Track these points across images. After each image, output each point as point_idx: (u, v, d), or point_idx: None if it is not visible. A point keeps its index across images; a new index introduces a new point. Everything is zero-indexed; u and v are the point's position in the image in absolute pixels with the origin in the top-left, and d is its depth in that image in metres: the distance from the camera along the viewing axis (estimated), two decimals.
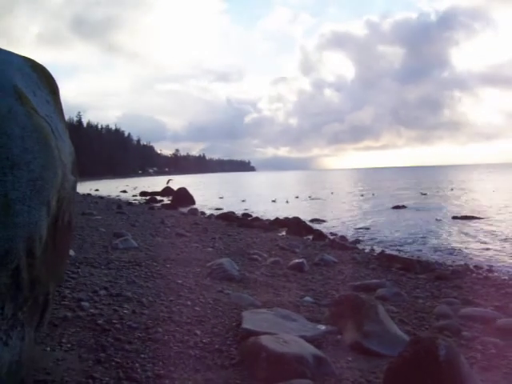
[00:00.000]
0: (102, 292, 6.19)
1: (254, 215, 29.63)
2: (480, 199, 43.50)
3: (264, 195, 56.90)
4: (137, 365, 4.30)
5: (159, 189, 56.45)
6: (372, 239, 21.17)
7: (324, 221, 28.47)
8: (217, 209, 34.80)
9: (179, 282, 7.65)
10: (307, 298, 8.16)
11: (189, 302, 6.42)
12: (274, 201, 45.85)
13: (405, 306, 8.58)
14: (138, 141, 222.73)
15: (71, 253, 8.11)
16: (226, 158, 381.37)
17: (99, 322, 5.10)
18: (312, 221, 27.45)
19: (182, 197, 38.87)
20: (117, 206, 26.47)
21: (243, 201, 46.55)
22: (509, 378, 5.22)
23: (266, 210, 35.16)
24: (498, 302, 9.64)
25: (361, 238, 21.13)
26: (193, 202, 38.71)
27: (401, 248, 18.61)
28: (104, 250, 9.80)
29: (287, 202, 44.93)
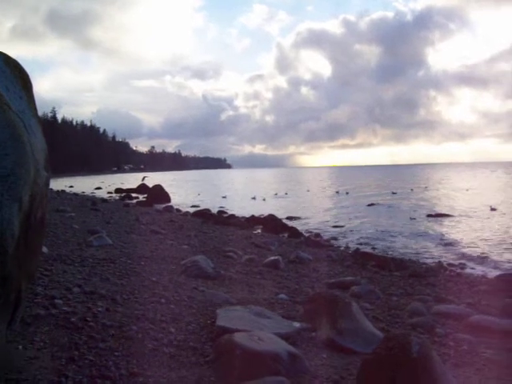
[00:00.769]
0: (76, 289, 6.12)
1: (230, 213, 29.65)
2: (454, 198, 44.06)
3: (241, 193, 57.04)
4: (110, 363, 4.26)
5: (134, 186, 56.22)
6: (347, 237, 21.32)
7: (299, 218, 28.61)
8: (192, 206, 34.74)
9: (154, 279, 7.60)
10: (282, 296, 8.17)
11: (163, 300, 6.39)
12: (253, 198, 46.03)
13: (379, 304, 8.64)
14: (114, 137, 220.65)
15: (44, 250, 8.01)
16: (201, 156, 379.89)
17: (72, 319, 5.05)
18: (288, 218, 27.58)
19: (158, 194, 38.70)
20: (91, 202, 26.22)
21: (224, 197, 46.98)
22: (480, 374, 5.28)
23: (241, 208, 35.19)
24: (471, 299, 9.76)
25: (336, 236, 21.27)
26: (168, 199, 38.55)
27: (375, 246, 18.77)
28: (78, 247, 9.69)
29: (264, 199, 45.04)
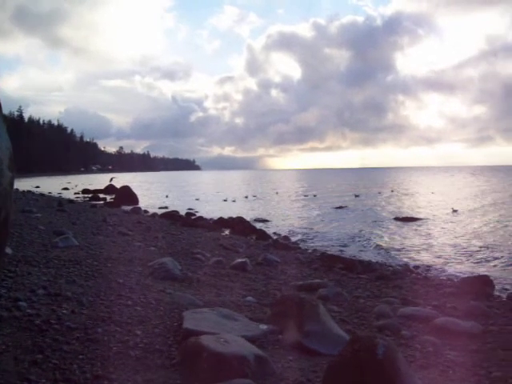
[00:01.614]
0: (41, 291, 6.04)
1: (198, 214, 29.57)
2: (420, 201, 44.62)
3: (212, 195, 56.98)
4: (75, 366, 4.21)
5: (102, 187, 55.72)
6: (315, 239, 21.42)
7: (268, 220, 28.66)
8: (160, 207, 34.57)
9: (120, 281, 7.54)
10: (249, 298, 8.17)
11: (130, 302, 6.34)
12: (225, 200, 46.11)
13: (346, 306, 8.69)
14: (81, 137, 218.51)
15: (8, 251, 7.90)
16: (170, 157, 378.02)
17: (36, 322, 4.97)
18: (256, 221, 27.60)
19: (125, 195, 38.40)
20: (58, 203, 25.88)
21: (197, 199, 46.97)
22: (445, 375, 5.35)
23: (211, 210, 35.16)
24: (437, 301, 9.87)
25: (304, 238, 21.37)
26: (136, 200, 38.28)
27: (343, 248, 18.89)
28: (43, 248, 9.56)
29: (234, 201, 45.13)
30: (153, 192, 62.73)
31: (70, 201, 31.99)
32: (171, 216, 25.26)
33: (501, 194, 54.51)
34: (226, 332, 5.18)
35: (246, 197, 52.14)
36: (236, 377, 4.23)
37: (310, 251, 17.38)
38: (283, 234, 22.65)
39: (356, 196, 51.70)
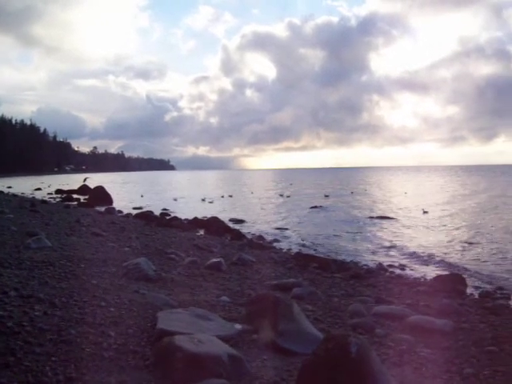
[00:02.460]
0: (12, 293, 5.96)
1: (173, 215, 29.45)
2: (393, 200, 45.01)
3: (187, 194, 56.80)
4: (47, 368, 4.17)
5: (76, 187, 55.25)
6: (289, 239, 21.50)
7: (243, 220, 28.66)
8: (135, 208, 34.36)
9: (94, 282, 7.48)
10: (224, 298, 8.17)
11: (103, 303, 6.29)
12: (203, 200, 46.08)
13: (320, 305, 8.74)
14: (55, 137, 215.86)
15: None
16: (145, 157, 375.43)
17: (8, 324, 4.91)
18: (231, 221, 27.58)
19: (99, 195, 38.16)
20: (30, 204, 25.57)
21: (175, 199, 46.85)
22: (418, 372, 5.40)
23: (186, 210, 35.08)
24: (410, 299, 9.98)
25: (278, 238, 21.40)
26: (110, 200, 38.02)
27: (317, 247, 18.98)
28: (15, 249, 9.45)
29: (211, 202, 45.06)
30: (127, 192, 62.31)
31: (43, 201, 31.66)
32: (145, 216, 25.14)
33: (472, 193, 55.30)
34: (200, 332, 5.18)
35: (223, 197, 52.14)
36: (210, 377, 4.24)
37: (284, 251, 17.44)
38: (258, 233, 22.69)
39: (326, 196, 51.91)
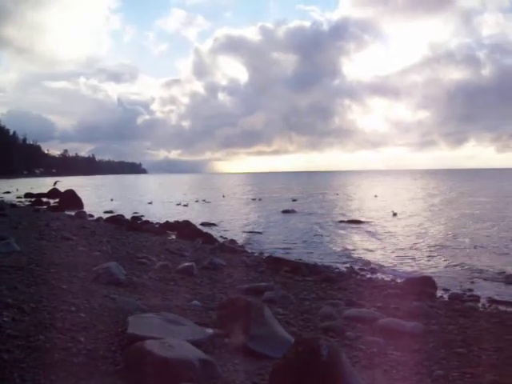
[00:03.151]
0: None
1: (145, 218, 29.29)
2: (363, 204, 45.40)
3: (160, 198, 56.53)
4: (15, 375, 4.11)
5: (45, 190, 54.52)
6: (261, 243, 21.51)
7: (215, 224, 28.61)
8: (106, 212, 34.11)
9: (64, 287, 7.40)
10: (195, 302, 8.15)
11: (73, 308, 6.22)
12: (178, 204, 45.94)
13: (291, 308, 8.78)
14: (24, 140, 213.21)
15: None
16: (116, 160, 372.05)
17: None
18: (203, 224, 27.50)
19: (70, 199, 37.72)
20: None
21: (150, 203, 46.75)
22: (388, 375, 5.45)
23: (158, 213, 34.92)
24: (380, 302, 10.07)
25: (250, 242, 21.43)
26: (81, 204, 37.66)
27: (289, 251, 19.01)
28: None
29: (186, 205, 44.97)
30: (98, 196, 61.82)
31: (12, 205, 31.33)
32: (116, 220, 25.00)
33: (440, 196, 56.10)
34: (171, 337, 5.15)
35: (197, 201, 51.98)
36: (181, 381, 4.22)
37: (256, 254, 17.44)
38: (230, 237, 22.65)
39: (294, 200, 52.09)
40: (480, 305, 11.00)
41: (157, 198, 55.69)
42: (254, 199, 56.51)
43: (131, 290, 8.44)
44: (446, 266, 15.79)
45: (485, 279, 13.78)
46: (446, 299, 11.43)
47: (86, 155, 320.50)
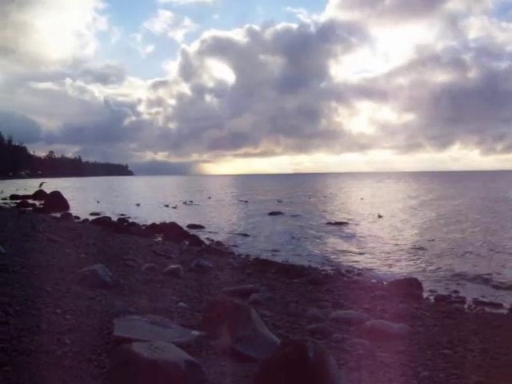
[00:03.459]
0: None
1: (132, 220, 29.20)
2: (350, 206, 45.56)
3: (146, 201, 56.34)
4: (0, 378, 4.08)
5: (31, 192, 54.23)
6: (248, 245, 21.52)
7: (202, 226, 28.55)
8: (92, 213, 33.96)
9: (49, 289, 7.34)
10: (181, 304, 8.12)
11: (59, 310, 6.18)
12: (166, 205, 45.80)
13: (278, 310, 8.76)
14: (10, 141, 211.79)
15: None
16: (102, 162, 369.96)
17: None
18: (189, 226, 27.46)
19: (56, 201, 37.59)
20: None
21: (138, 205, 46.59)
22: (375, 377, 5.45)
23: (146, 215, 34.83)
24: (367, 304, 10.09)
25: (237, 244, 21.43)
26: (67, 206, 37.53)
27: (276, 253, 19.02)
28: None
29: (174, 207, 44.89)
30: (84, 198, 61.55)
31: None
32: (103, 222, 24.90)
33: (425, 198, 56.51)
34: (157, 339, 5.12)
35: (185, 202, 51.87)
36: None
37: (243, 256, 17.44)
38: (217, 239, 22.65)
39: (279, 202, 52.28)
40: (466, 306, 11.09)
41: (144, 200, 55.51)
42: (240, 201, 56.54)
43: (117, 293, 8.39)
44: (431, 268, 15.88)
45: (471, 281, 13.89)
46: (432, 301, 11.50)
47: (73, 157, 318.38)
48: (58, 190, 41.80)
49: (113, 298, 7.66)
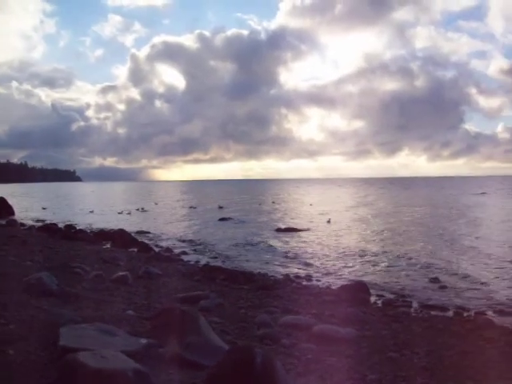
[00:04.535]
0: None
1: (79, 227, 28.75)
2: (299, 212, 45.95)
3: (97, 207, 55.54)
4: None
5: None
6: (197, 251, 21.48)
7: (151, 233, 28.36)
8: (38, 220, 33.34)
9: None
10: (129, 312, 8.03)
11: (2, 320, 6.03)
12: (120, 212, 45.24)
13: (227, 316, 8.76)
14: None
15: None
16: (49, 167, 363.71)
17: None
18: (138, 233, 27.23)
19: (0, 207, 36.71)
20: None
21: (91, 211, 45.89)
22: (323, 381, 5.51)
23: (89, 222, 34.35)
24: (316, 309, 10.19)
25: (186, 250, 21.34)
26: (12, 212, 36.69)
27: (225, 260, 19.04)
28: None
29: (129, 213, 44.44)
30: (30, 204, 60.34)
31: None
32: (49, 229, 24.45)
33: (373, 204, 57.43)
34: (104, 347, 5.06)
35: (138, 209, 51.34)
36: None
37: (192, 263, 17.39)
38: (165, 245, 22.52)
39: (220, 207, 52.51)
40: (412, 310, 11.32)
41: (95, 207, 54.71)
42: (190, 207, 56.34)
43: (64, 301, 8.23)
44: (379, 273, 16.13)
45: (417, 285, 14.16)
46: (380, 305, 11.69)
47: (18, 162, 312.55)
48: (2, 196, 40.81)
49: (59, 307, 7.52)
